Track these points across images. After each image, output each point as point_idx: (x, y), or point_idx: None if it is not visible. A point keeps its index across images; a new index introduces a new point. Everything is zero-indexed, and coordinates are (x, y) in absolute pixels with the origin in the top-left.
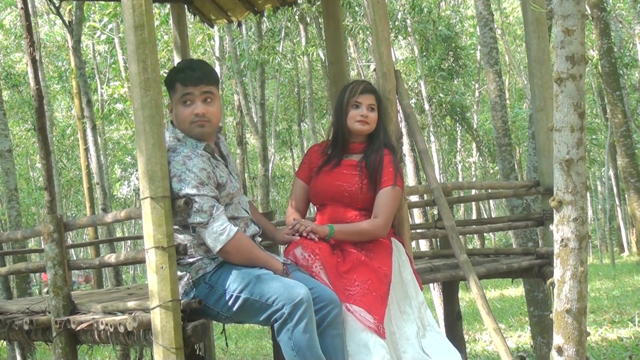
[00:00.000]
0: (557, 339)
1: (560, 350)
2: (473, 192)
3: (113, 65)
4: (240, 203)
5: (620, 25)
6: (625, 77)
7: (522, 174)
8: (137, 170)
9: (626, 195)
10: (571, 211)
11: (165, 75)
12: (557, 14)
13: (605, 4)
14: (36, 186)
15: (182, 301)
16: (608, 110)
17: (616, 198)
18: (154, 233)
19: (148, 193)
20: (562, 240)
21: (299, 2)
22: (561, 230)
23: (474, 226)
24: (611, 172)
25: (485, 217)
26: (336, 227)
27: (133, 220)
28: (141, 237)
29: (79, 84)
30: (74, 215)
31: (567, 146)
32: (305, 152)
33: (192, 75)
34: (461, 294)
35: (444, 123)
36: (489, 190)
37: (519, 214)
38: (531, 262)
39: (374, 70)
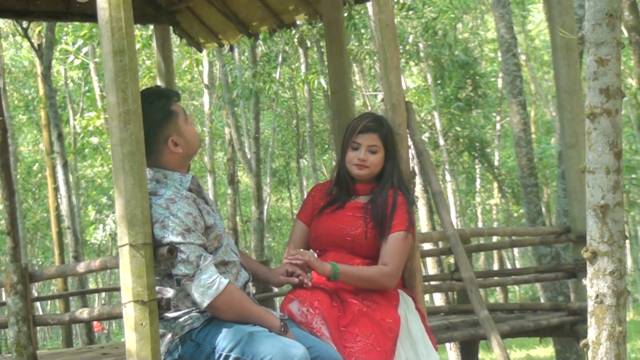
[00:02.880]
0: None
1: None
2: (494, 239)
3: (88, 94)
4: (229, 245)
5: None
6: None
7: (550, 219)
8: (113, 213)
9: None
10: (607, 263)
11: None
12: (589, 41)
13: None
14: None
15: None
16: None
17: None
18: (133, 285)
19: (127, 240)
20: (597, 296)
21: (297, 23)
22: (596, 284)
23: (496, 278)
24: None
25: (509, 267)
26: (341, 268)
27: (109, 270)
28: (118, 289)
29: (48, 114)
30: (40, 263)
31: (601, 190)
32: (307, 192)
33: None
34: (482, 354)
35: (461, 160)
36: (513, 237)
37: (548, 264)
38: (562, 320)
39: (382, 100)
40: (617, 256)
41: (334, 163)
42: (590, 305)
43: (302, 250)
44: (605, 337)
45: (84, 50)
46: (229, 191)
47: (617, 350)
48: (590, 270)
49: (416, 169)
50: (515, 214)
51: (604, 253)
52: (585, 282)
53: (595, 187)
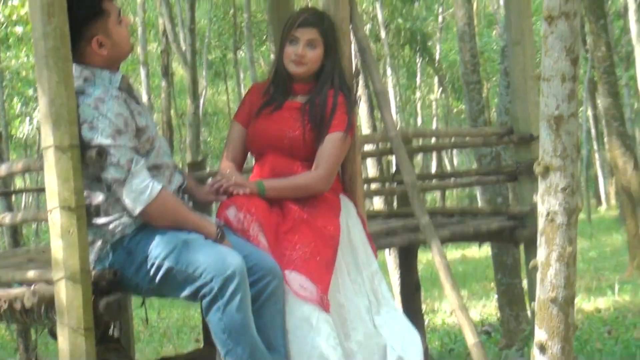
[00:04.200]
0: (540, 334)
1: (542, 348)
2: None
3: None
4: (162, 147)
5: None
6: (609, 2)
7: (489, 115)
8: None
9: (605, 139)
10: (560, 179)
11: None
12: None
13: None
14: None
15: (93, 271)
16: (589, 41)
17: (594, 142)
18: (59, 190)
19: (52, 141)
20: (549, 214)
21: None
22: (547, 201)
23: (435, 180)
24: (590, 113)
25: (448, 168)
26: (267, 184)
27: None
28: (44, 190)
29: None
30: None
31: (556, 99)
32: (244, 85)
33: None
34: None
35: (402, 54)
36: (454, 138)
37: (488, 166)
38: (502, 225)
39: None
40: (570, 171)
41: (272, 56)
42: (541, 223)
43: (226, 172)
44: (555, 258)
45: None
46: (163, 84)
47: (567, 272)
48: (541, 186)
49: (359, 67)
50: (455, 110)
51: (557, 167)
52: (536, 198)
53: (550, 96)
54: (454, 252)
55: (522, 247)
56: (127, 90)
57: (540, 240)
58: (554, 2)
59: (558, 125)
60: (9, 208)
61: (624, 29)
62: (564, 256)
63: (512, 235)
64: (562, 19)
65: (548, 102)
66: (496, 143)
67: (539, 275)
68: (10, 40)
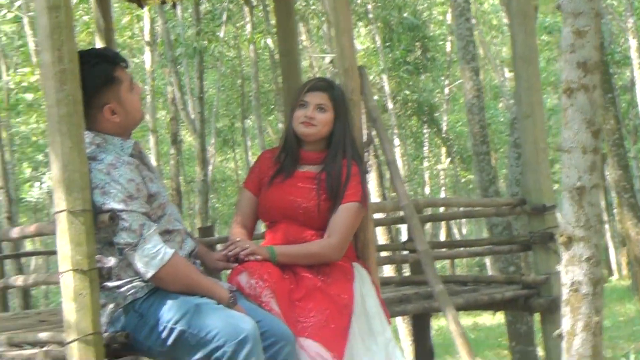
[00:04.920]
0: None
1: None
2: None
3: (21, 49)
4: (172, 214)
5: (610, 17)
6: (616, 76)
7: (497, 186)
8: (50, 170)
9: (615, 210)
10: (583, 249)
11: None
12: (565, 12)
13: None
14: None
15: (105, 334)
16: None
17: (604, 214)
18: (71, 254)
19: (64, 206)
20: (573, 284)
21: None
22: (571, 272)
23: (444, 249)
24: None
25: (458, 236)
26: (277, 250)
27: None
28: (55, 253)
29: None
30: None
31: (577, 171)
32: (252, 153)
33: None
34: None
35: (409, 124)
36: (465, 208)
37: (500, 235)
38: (516, 293)
39: (331, 62)
40: (593, 242)
41: (280, 125)
42: (565, 293)
43: (238, 240)
44: (580, 328)
45: (17, 3)
46: (172, 151)
47: (593, 342)
48: (565, 256)
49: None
50: (463, 180)
51: (580, 238)
52: (559, 268)
53: (571, 167)
54: (465, 320)
55: (536, 315)
56: (139, 157)
57: (565, 310)
58: (572, 75)
59: (581, 197)
60: (20, 270)
61: (631, 103)
62: (590, 326)
63: (526, 303)
64: (582, 91)
65: (569, 174)
66: (509, 213)
67: (564, 345)
68: (20, 107)
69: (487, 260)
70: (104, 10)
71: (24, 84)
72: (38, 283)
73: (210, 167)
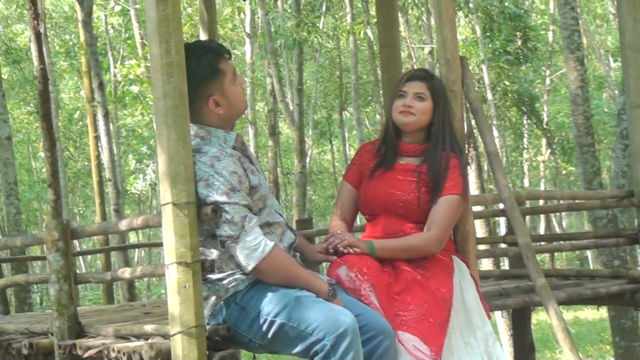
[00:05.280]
0: None
1: None
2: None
3: (128, 41)
4: (273, 206)
5: None
6: None
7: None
8: (154, 162)
9: None
10: None
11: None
12: None
13: None
14: (39, 178)
15: (208, 326)
16: None
17: None
18: (176, 246)
19: (170, 198)
20: None
21: None
22: None
23: (542, 243)
24: None
25: (558, 230)
26: (377, 244)
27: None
28: (159, 245)
29: (88, 61)
30: (82, 212)
31: None
32: (349, 145)
33: None
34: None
35: (509, 115)
36: (569, 201)
37: (605, 228)
38: (622, 287)
39: (430, 53)
40: None
41: (377, 117)
42: None
43: (338, 232)
44: None
45: None
46: (270, 143)
47: None
48: None
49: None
50: (564, 172)
51: None
52: None
53: None
54: (566, 314)
55: None
56: (241, 149)
57: None
58: None
59: None
60: (126, 262)
61: None
62: None
63: (633, 298)
64: None
65: None
66: (615, 206)
67: None
68: (126, 99)
69: (589, 254)
70: (207, 2)
71: (130, 76)
72: (145, 275)
73: (307, 159)
